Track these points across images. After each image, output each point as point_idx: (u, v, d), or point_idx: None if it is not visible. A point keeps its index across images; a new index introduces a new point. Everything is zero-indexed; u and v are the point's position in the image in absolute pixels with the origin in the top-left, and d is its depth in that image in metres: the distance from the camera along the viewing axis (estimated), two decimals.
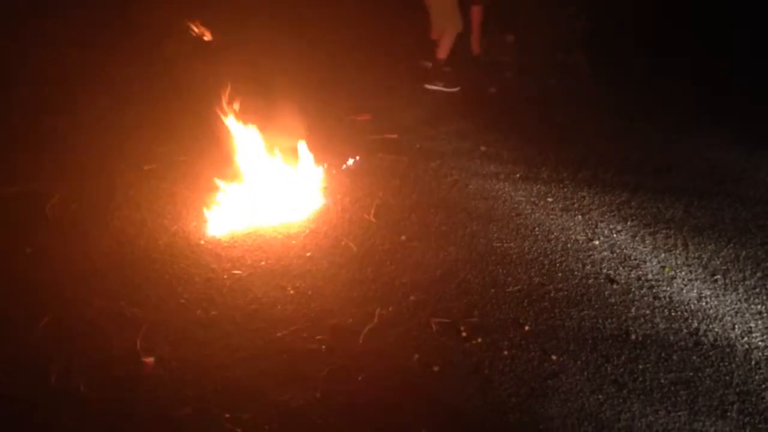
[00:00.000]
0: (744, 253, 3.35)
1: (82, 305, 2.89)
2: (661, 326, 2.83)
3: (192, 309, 2.89)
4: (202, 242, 3.36)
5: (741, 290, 3.06)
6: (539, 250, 3.36)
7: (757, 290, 3.06)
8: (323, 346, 2.68)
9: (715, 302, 2.98)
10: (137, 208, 3.64)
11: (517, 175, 4.12)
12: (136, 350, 2.63)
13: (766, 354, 2.69)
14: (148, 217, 3.55)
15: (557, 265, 3.24)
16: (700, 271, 3.21)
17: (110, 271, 3.12)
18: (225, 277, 3.10)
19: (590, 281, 3.12)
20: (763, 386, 2.54)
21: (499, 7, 6.06)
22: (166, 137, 4.32)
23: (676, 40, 6.38)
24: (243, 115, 3.81)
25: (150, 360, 2.58)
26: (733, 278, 3.15)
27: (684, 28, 6.42)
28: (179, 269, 3.14)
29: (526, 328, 2.80)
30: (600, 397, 2.48)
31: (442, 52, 5.76)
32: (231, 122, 3.71)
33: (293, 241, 3.39)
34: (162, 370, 2.56)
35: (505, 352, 2.67)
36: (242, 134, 3.74)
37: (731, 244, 3.41)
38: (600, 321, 2.85)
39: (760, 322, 2.86)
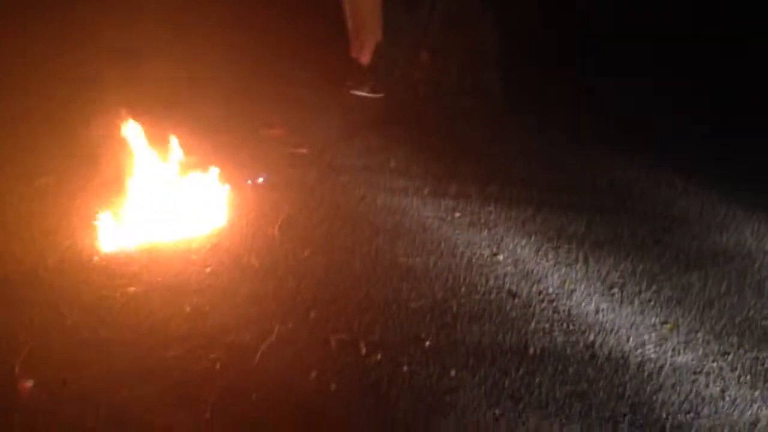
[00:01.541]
0: (641, 267, 3.44)
1: None
2: (559, 339, 2.86)
3: (79, 330, 2.73)
4: (96, 258, 3.20)
5: (636, 303, 3.14)
6: (444, 266, 3.35)
7: (652, 303, 3.15)
8: (217, 365, 2.59)
9: (612, 315, 3.04)
10: (26, 225, 3.43)
11: (426, 191, 4.13)
12: (13, 375, 2.47)
13: (658, 365, 2.75)
14: (37, 235, 3.35)
15: (461, 280, 3.25)
16: (598, 284, 3.27)
17: None
18: (118, 295, 2.96)
19: (492, 296, 3.13)
20: (654, 397, 2.59)
21: (411, 25, 6.13)
22: (61, 150, 4.10)
23: (589, 60, 6.59)
24: (144, 127, 3.69)
25: (28, 384, 2.42)
26: (630, 292, 3.22)
27: (595, 51, 6.64)
28: (68, 288, 2.98)
29: (427, 343, 2.78)
30: (496, 411, 2.48)
31: (365, 58, 5.79)
32: (129, 134, 3.58)
33: (193, 257, 3.28)
34: (41, 394, 2.41)
35: (405, 368, 2.64)
36: (142, 146, 3.61)
37: (629, 259, 3.50)
38: (500, 335, 2.87)
39: (653, 334, 2.93)
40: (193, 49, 5.64)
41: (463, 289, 3.17)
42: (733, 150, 4.84)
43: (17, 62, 5.17)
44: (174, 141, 3.78)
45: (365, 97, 5.72)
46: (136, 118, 3.69)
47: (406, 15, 6.21)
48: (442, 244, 3.55)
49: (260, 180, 4.07)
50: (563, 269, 3.38)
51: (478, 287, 3.19)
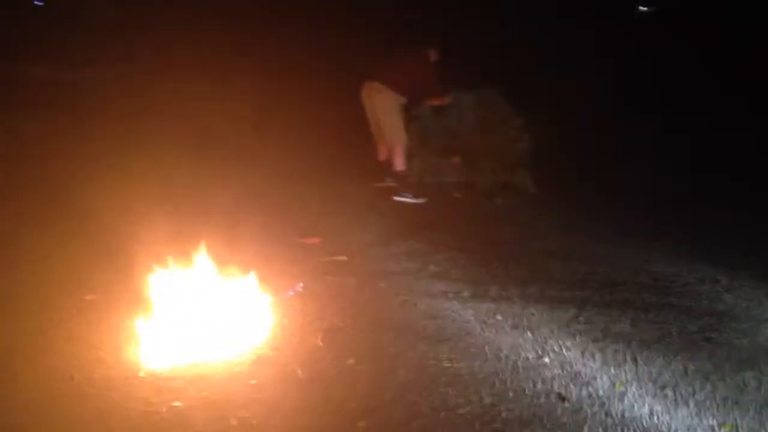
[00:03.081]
0: (692, 366, 3.35)
1: None
2: None
3: None
4: (141, 374, 3.21)
5: (692, 405, 3.04)
6: (490, 370, 3.31)
7: (708, 404, 3.05)
8: None
9: (667, 417, 2.95)
10: (75, 341, 3.49)
11: (466, 294, 4.13)
12: None
13: None
14: (84, 350, 3.39)
15: (508, 384, 3.19)
16: (650, 386, 3.19)
17: (40, 409, 2.95)
18: (164, 410, 2.95)
19: (541, 400, 3.07)
20: None
21: (443, 132, 6.34)
22: (107, 268, 4.21)
23: (615, 157, 6.70)
24: (188, 243, 3.78)
25: None
26: (683, 393, 3.13)
27: (623, 147, 6.76)
28: (114, 403, 2.98)
29: None
30: None
31: (399, 164, 5.98)
32: (173, 251, 3.67)
33: (237, 369, 3.28)
34: None
35: None
36: (185, 262, 3.69)
37: (679, 358, 3.42)
38: None
39: None
40: (232, 165, 5.89)
41: (510, 393, 3.11)
42: None
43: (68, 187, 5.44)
44: (215, 256, 3.87)
45: (408, 202, 5.85)
46: (180, 237, 3.79)
47: (435, 121, 6.44)
48: (486, 348, 3.51)
49: (299, 288, 4.11)
50: (612, 370, 3.31)
51: (526, 391, 3.13)
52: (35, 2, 16.71)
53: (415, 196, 5.95)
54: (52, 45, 12.20)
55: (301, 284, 4.15)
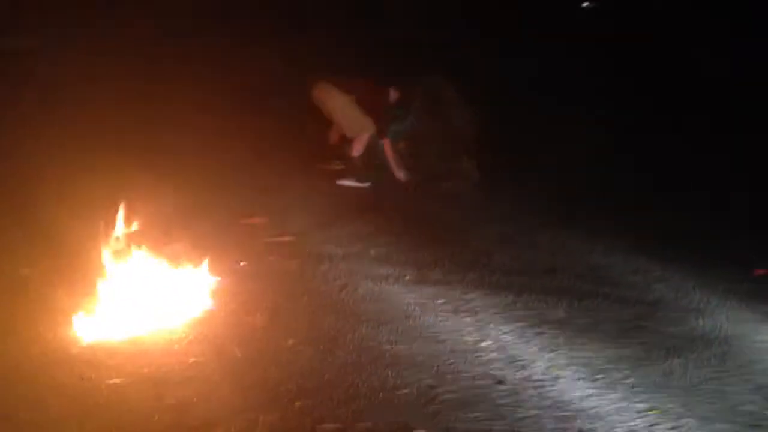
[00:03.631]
0: (624, 352, 3.46)
1: None
2: (549, 427, 2.83)
3: (65, 423, 2.66)
4: (79, 350, 3.15)
5: (622, 389, 3.14)
6: (429, 352, 3.35)
7: (638, 389, 3.14)
8: None
9: (599, 401, 3.03)
10: (9, 316, 3.38)
11: (407, 278, 4.16)
12: None
13: None
14: (21, 326, 3.30)
15: (447, 367, 3.23)
16: (584, 370, 3.27)
17: None
18: (102, 387, 2.90)
19: (480, 383, 3.12)
20: None
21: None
22: (43, 243, 4.09)
23: (566, 146, 6.83)
24: (128, 218, 3.71)
25: None
26: (615, 377, 3.23)
27: (572, 140, 6.90)
28: (52, 380, 2.91)
29: None
30: None
31: (356, 150, 5.99)
32: (112, 226, 3.59)
33: (176, 347, 3.24)
34: None
35: None
36: (123, 239, 3.62)
37: (612, 344, 3.52)
38: (489, 423, 2.83)
39: (640, 420, 2.92)
40: (176, 140, 5.77)
41: (449, 376, 3.16)
42: (706, 238, 4.99)
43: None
44: (156, 232, 3.80)
45: (352, 186, 5.86)
46: (117, 210, 3.71)
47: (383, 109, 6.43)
48: (426, 331, 3.55)
49: (240, 265, 4.08)
50: (548, 355, 3.39)
51: (465, 374, 3.18)
52: None
53: (359, 180, 5.97)
54: None
55: (244, 262, 4.11)
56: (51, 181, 4.65)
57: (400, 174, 6.24)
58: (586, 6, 13.09)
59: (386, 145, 6.18)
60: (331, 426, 2.73)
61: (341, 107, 6.04)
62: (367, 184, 5.94)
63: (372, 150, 6.30)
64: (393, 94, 6.19)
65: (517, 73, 7.81)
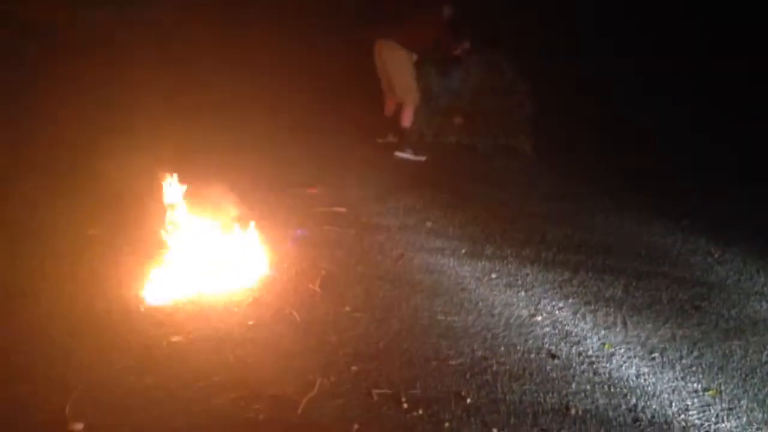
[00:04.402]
0: (680, 332, 3.42)
1: (11, 367, 2.78)
2: (601, 402, 2.84)
3: (126, 376, 2.79)
4: (143, 309, 3.27)
5: (678, 369, 3.11)
6: (482, 324, 3.37)
7: (693, 369, 3.12)
8: (261, 416, 2.61)
9: (653, 380, 3.02)
10: (77, 273, 3.54)
11: (462, 251, 4.18)
12: (64, 416, 2.51)
13: (701, 431, 2.72)
14: (89, 283, 3.45)
15: (500, 339, 3.25)
16: (638, 348, 3.26)
17: (43, 335, 3.01)
18: (164, 344, 3.02)
19: (532, 356, 3.13)
20: None
21: (447, 92, 6.32)
22: (110, 204, 4.24)
23: (623, 126, 6.71)
24: (191, 185, 3.80)
25: (79, 427, 2.46)
26: (671, 357, 3.20)
27: (629, 118, 6.78)
28: (116, 335, 3.05)
29: (468, 401, 2.78)
30: None
31: (406, 121, 5.98)
32: (176, 191, 3.69)
33: (236, 309, 3.33)
34: None
35: (447, 425, 2.63)
36: (188, 203, 3.72)
37: (668, 324, 3.49)
38: (541, 395, 2.85)
39: (696, 400, 2.90)
40: (239, 115, 5.87)
41: (501, 348, 3.18)
42: None
43: (70, 120, 5.42)
44: (219, 198, 3.89)
45: (409, 159, 5.87)
46: (183, 177, 3.81)
47: (441, 81, 6.41)
48: (480, 304, 3.57)
49: (299, 233, 4.15)
50: (602, 332, 3.38)
51: (518, 347, 3.20)
52: None
53: (416, 153, 5.97)
54: None
55: (303, 230, 4.18)
56: (111, 143, 4.77)
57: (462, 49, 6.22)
58: None
59: (464, 45, 6.15)
60: (386, 391, 2.79)
61: (399, 64, 5.93)
62: (423, 158, 5.94)
63: (428, 124, 6.30)
64: (446, 12, 6.01)
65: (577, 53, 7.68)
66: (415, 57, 5.95)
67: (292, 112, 6.48)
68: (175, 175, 3.74)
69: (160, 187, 3.75)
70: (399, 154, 5.94)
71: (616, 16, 8.15)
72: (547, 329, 3.37)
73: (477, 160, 6.08)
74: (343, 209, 4.67)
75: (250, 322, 3.23)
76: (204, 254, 3.66)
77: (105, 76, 6.30)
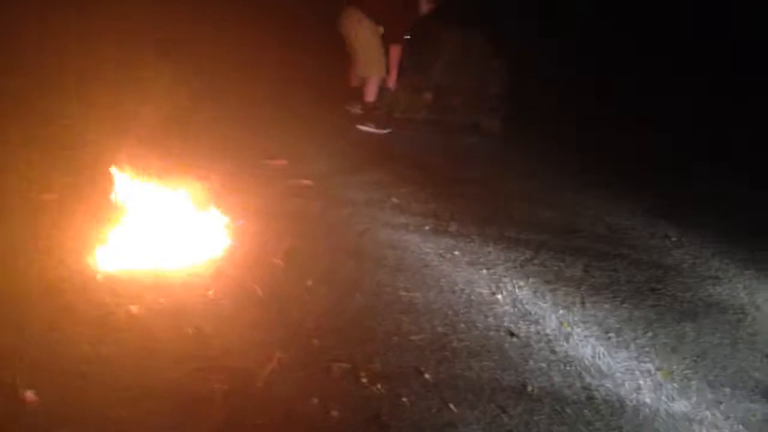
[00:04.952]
0: (637, 313, 3.49)
1: None
2: (557, 380, 2.89)
3: (80, 344, 2.74)
4: (99, 277, 3.21)
5: (632, 348, 3.18)
6: (444, 301, 3.40)
7: (647, 349, 3.19)
8: (220, 387, 2.60)
9: (608, 359, 3.08)
10: (30, 239, 3.45)
11: (427, 228, 4.19)
12: (15, 384, 2.47)
13: (653, 410, 2.78)
14: (42, 249, 3.37)
15: (461, 316, 3.28)
16: (595, 328, 3.32)
17: None
18: (121, 313, 2.97)
19: (491, 333, 3.17)
20: None
21: (417, 67, 6.29)
22: (66, 170, 4.14)
23: (590, 108, 6.77)
24: (151, 154, 3.74)
25: (30, 394, 2.43)
26: (626, 337, 3.27)
27: (599, 99, 6.83)
28: (70, 303, 2.99)
29: (427, 376, 2.81)
30: None
31: (370, 95, 5.93)
32: (135, 159, 3.63)
33: (196, 281, 3.30)
34: (41, 406, 2.41)
35: (405, 400, 2.65)
36: (148, 172, 3.66)
37: (625, 305, 3.56)
38: (499, 372, 2.89)
39: (648, 379, 2.97)
40: (201, 83, 5.76)
41: (462, 325, 3.21)
42: (729, 207, 4.96)
43: (28, 81, 5.27)
44: (180, 169, 3.83)
45: (372, 132, 5.84)
46: (142, 145, 3.74)
47: (411, 57, 6.37)
48: (442, 281, 3.60)
49: (239, 223, 4.00)
50: (561, 311, 3.43)
51: (477, 324, 3.23)
52: None
53: (379, 127, 5.93)
54: None
55: (242, 221, 4.01)
56: (71, 93, 4.66)
57: (392, 83, 6.08)
58: None
59: (394, 50, 5.92)
60: (346, 365, 2.81)
61: (364, 38, 5.82)
62: (386, 131, 5.91)
63: (391, 98, 6.26)
64: (426, 6, 5.93)
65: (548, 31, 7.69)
66: (381, 29, 5.86)
67: (258, 85, 6.38)
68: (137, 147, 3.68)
69: (121, 155, 3.68)
70: (361, 127, 5.91)
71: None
72: (507, 308, 3.41)
73: (445, 137, 6.09)
74: (309, 182, 4.64)
75: (210, 293, 3.20)
76: (165, 223, 3.61)
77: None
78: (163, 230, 3.58)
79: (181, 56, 5.94)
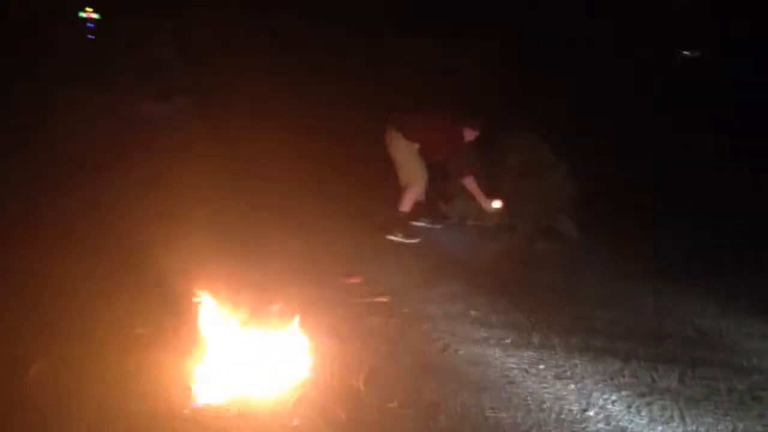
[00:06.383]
0: (741, 426, 3.27)
1: None
2: None
3: None
4: (187, 411, 3.24)
5: None
6: (532, 421, 3.26)
7: None
8: None
9: None
10: (122, 373, 3.53)
11: (508, 341, 4.09)
12: None
13: None
14: (132, 385, 3.44)
15: None
16: None
17: None
18: None
19: None
20: None
21: (484, 176, 6.35)
22: (156, 305, 4.26)
23: (664, 206, 6.65)
24: (228, 285, 3.82)
25: None
26: None
27: (671, 193, 6.71)
28: None
29: None
30: None
31: (405, 205, 6.02)
32: (213, 291, 3.72)
33: (280, 409, 3.28)
34: None
35: None
36: (228, 303, 3.73)
37: (728, 417, 3.34)
38: None
39: None
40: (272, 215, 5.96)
41: None
42: None
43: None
44: (258, 297, 3.90)
45: (401, 242, 5.89)
46: (223, 277, 3.84)
47: (479, 165, 6.45)
48: (529, 398, 3.47)
49: (340, 327, 4.08)
50: (659, 427, 3.25)
51: None
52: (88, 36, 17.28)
53: (407, 236, 5.97)
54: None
55: (346, 322, 4.10)
56: (161, 239, 4.85)
57: (488, 205, 6.16)
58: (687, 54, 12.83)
59: (468, 180, 6.08)
60: None
61: (401, 154, 6.04)
62: (415, 240, 5.94)
63: (469, 209, 6.30)
64: (469, 133, 6.11)
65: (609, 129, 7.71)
66: (416, 146, 6.01)
67: (319, 206, 6.54)
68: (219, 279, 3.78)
69: (203, 286, 3.78)
70: (390, 236, 5.95)
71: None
72: (601, 425, 3.25)
73: (519, 244, 6.05)
74: (384, 299, 4.64)
75: (294, 422, 3.18)
76: (248, 352, 3.64)
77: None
78: (246, 358, 3.61)
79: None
